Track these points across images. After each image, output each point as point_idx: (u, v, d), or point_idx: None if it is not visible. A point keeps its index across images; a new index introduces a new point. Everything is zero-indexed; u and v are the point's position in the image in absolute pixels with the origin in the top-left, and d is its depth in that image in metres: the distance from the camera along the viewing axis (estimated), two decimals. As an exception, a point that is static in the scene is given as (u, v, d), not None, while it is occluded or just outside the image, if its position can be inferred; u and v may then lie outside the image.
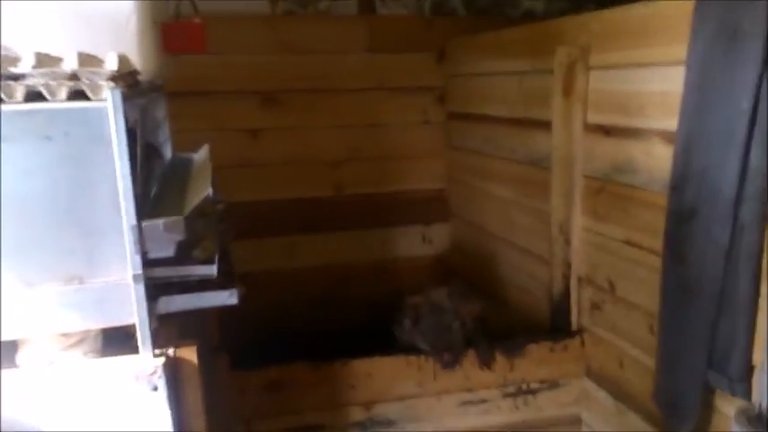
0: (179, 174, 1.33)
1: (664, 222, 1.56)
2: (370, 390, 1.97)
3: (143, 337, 0.93)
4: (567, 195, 2.05)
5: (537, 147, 2.22)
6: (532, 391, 2.08)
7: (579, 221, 2.03)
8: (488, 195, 2.68)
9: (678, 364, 1.56)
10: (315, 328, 2.99)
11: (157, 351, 0.95)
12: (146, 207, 0.97)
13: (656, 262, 1.65)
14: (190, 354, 0.98)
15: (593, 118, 1.95)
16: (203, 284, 0.98)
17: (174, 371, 0.96)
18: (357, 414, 1.98)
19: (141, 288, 0.92)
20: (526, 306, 2.40)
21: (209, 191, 1.12)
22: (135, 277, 0.92)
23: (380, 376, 1.97)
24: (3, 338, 0.89)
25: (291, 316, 3.02)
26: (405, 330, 1.99)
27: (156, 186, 1.19)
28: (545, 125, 2.11)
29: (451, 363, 1.90)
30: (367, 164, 3.03)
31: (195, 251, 0.99)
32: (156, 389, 0.92)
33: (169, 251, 0.93)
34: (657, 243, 1.61)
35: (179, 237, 0.91)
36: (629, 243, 1.80)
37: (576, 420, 2.13)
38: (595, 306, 2.01)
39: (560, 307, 2.14)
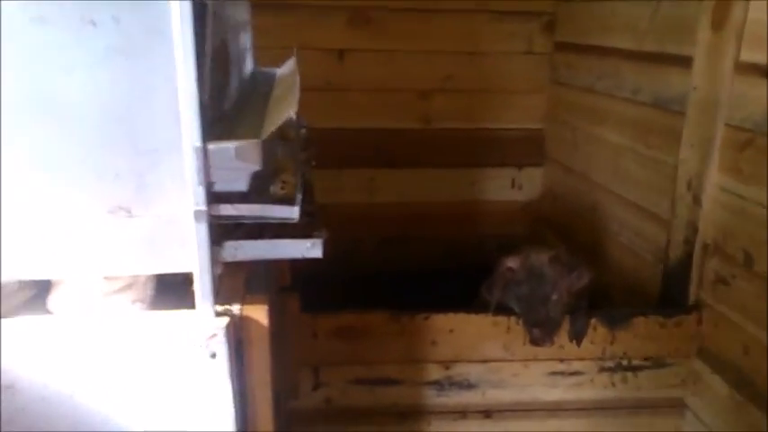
0: (260, 90, 1.12)
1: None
2: (451, 347, 1.77)
3: (202, 289, 0.74)
4: (702, 146, 1.73)
5: (669, 87, 1.89)
6: (633, 368, 1.83)
7: (715, 179, 1.72)
8: (597, 140, 2.37)
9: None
10: (389, 268, 2.81)
11: (219, 308, 0.75)
12: (215, 126, 0.76)
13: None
14: (259, 313, 0.78)
15: (749, 56, 1.61)
16: (281, 229, 0.77)
17: (238, 333, 0.76)
18: (435, 372, 1.79)
19: (204, 228, 0.72)
20: (630, 268, 2.13)
21: (293, 112, 0.90)
22: (196, 214, 0.72)
23: (464, 334, 1.76)
24: (30, 277, 0.71)
25: (365, 254, 2.84)
26: (494, 295, 1.76)
27: (230, 102, 0.97)
28: (683, 61, 1.78)
29: (541, 340, 1.67)
30: (459, 96, 2.74)
31: (273, 186, 0.78)
32: (214, 356, 0.73)
33: (241, 184, 0.72)
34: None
35: (254, 167, 0.70)
36: (780, 211, 1.49)
37: (679, 405, 1.87)
38: (722, 280, 1.72)
39: (676, 276, 1.85)
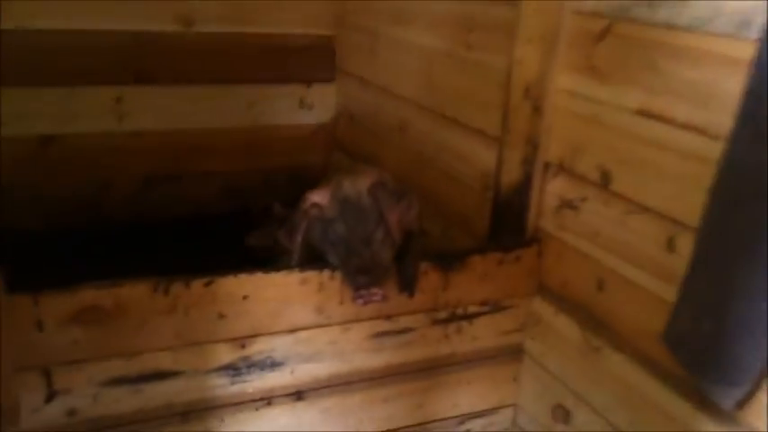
0: None
1: (732, 85, 0.97)
2: (246, 319, 1.30)
3: None
4: (544, 42, 1.41)
5: (498, -30, 1.54)
6: (469, 317, 1.52)
7: (561, 81, 1.42)
8: (402, 45, 1.98)
9: (731, 300, 1.03)
10: (152, 217, 2.22)
11: None
12: None
13: (701, 145, 1.09)
14: None
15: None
16: None
17: None
18: (226, 354, 1.31)
19: None
20: (452, 200, 1.80)
21: None
22: None
23: (263, 300, 1.30)
24: None
25: (116, 201, 2.21)
26: (297, 242, 1.32)
27: None
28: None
29: (368, 292, 1.27)
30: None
31: None
32: None
33: None
34: (709, 117, 1.05)
35: None
36: (647, 115, 1.22)
37: (519, 351, 1.61)
38: (569, 204, 1.44)
39: (511, 206, 1.55)
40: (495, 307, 1.54)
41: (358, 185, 1.31)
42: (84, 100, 2.08)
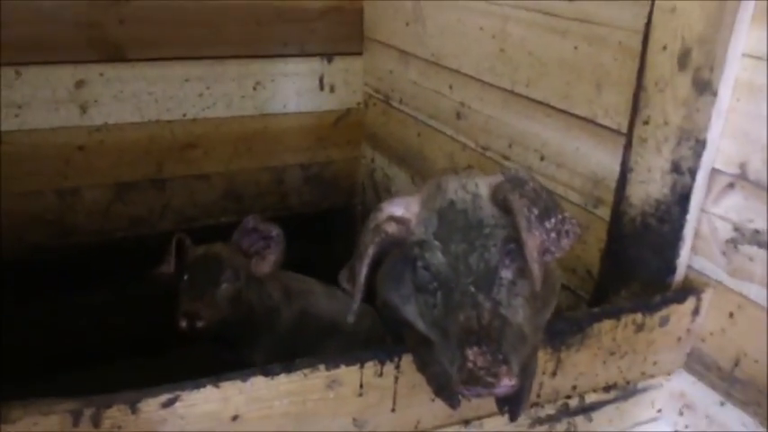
0: None
1: None
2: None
3: None
4: (724, -25, 0.85)
5: None
6: (587, 409, 0.99)
7: (748, 42, 0.87)
8: (459, 1, 1.42)
9: None
10: (128, 240, 1.73)
11: None
12: None
13: None
14: None
15: None
16: None
17: None
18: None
19: None
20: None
21: None
22: None
23: (264, 418, 0.77)
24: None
25: (81, 215, 1.70)
26: (359, 276, 0.76)
27: None
28: None
29: (484, 372, 0.68)
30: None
31: None
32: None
33: None
34: None
35: None
36: None
37: (651, 447, 1.08)
38: (752, 236, 0.90)
39: (644, 233, 1.01)
40: (626, 392, 1.01)
41: (472, 185, 0.77)
42: (34, 84, 1.55)
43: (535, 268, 0.70)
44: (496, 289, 0.71)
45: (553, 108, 1.21)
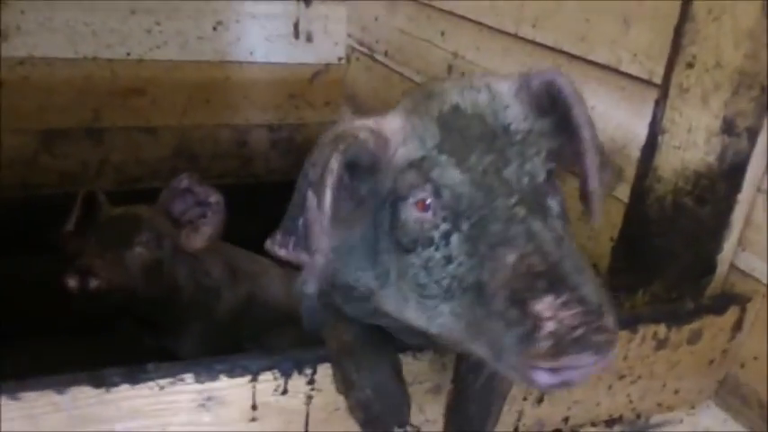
0: None
1: None
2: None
3: None
4: None
5: None
6: (583, 447, 0.73)
7: None
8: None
9: None
10: (56, 196, 1.47)
11: None
12: None
13: None
14: None
15: None
16: None
17: None
18: None
19: None
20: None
21: None
22: None
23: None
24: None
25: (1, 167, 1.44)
26: (317, 222, 0.49)
27: None
28: None
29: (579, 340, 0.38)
30: None
31: None
32: None
33: None
34: None
35: None
36: None
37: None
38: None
39: (677, 217, 0.75)
40: (634, 428, 0.75)
41: (482, 84, 0.52)
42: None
43: (598, 191, 0.49)
44: (555, 223, 0.46)
45: (566, 54, 0.95)
